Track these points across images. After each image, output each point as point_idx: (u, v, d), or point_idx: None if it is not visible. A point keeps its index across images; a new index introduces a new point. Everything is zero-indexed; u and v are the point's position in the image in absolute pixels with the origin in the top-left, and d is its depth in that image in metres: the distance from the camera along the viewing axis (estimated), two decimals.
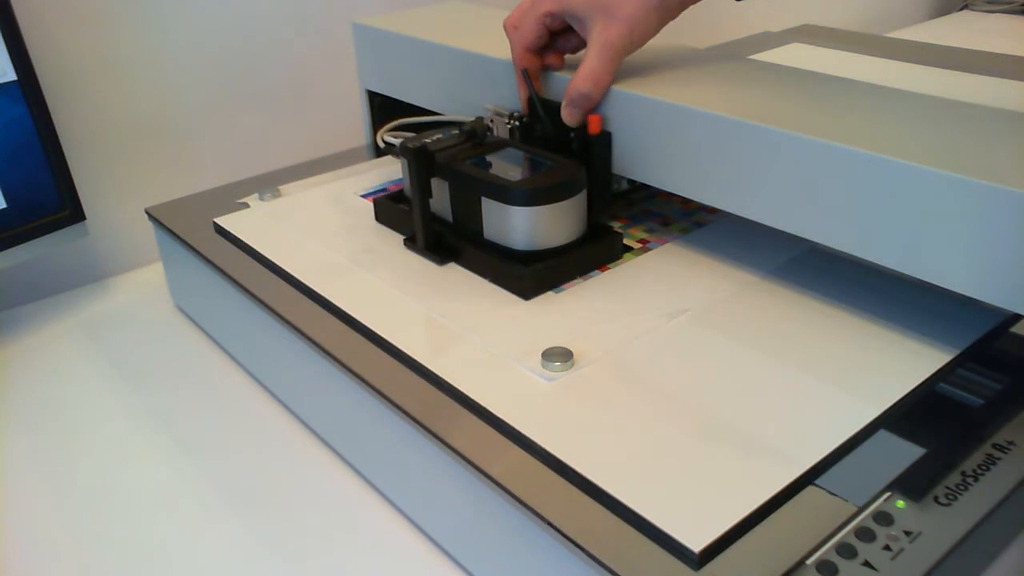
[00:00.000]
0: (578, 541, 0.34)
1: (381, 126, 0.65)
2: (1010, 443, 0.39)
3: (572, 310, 0.48)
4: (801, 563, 0.33)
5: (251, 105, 0.80)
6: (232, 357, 0.62)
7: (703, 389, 0.42)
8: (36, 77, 0.62)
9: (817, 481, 0.36)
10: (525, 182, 0.50)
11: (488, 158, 0.54)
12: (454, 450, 0.39)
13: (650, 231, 0.57)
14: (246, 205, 0.64)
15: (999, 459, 0.38)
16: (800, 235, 0.46)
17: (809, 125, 0.45)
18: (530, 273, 0.50)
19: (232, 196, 0.66)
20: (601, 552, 0.33)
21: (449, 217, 0.55)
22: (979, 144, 0.43)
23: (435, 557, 0.44)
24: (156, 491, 0.50)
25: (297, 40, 0.81)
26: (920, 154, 0.41)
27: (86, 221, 0.67)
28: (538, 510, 0.36)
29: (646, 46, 0.52)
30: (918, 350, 0.44)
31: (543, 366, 0.43)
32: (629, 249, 0.55)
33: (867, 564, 0.33)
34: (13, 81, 0.61)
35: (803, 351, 0.44)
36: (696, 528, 0.33)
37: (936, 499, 0.36)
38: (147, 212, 0.66)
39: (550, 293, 0.50)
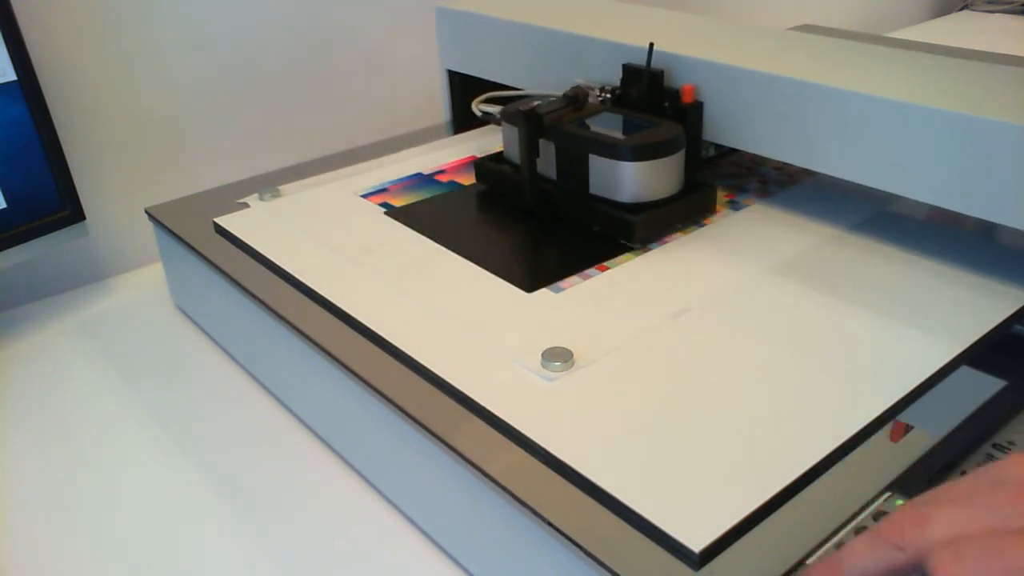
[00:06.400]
0: (578, 541, 0.34)
1: (460, 104, 0.74)
2: (1010, 443, 0.39)
3: (572, 309, 0.48)
4: (801, 563, 0.33)
5: (251, 105, 0.80)
6: (232, 357, 0.62)
7: (703, 389, 0.42)
8: (36, 77, 0.62)
9: (818, 480, 0.36)
10: (632, 139, 0.55)
11: (587, 121, 0.58)
12: (454, 450, 0.39)
13: None
14: (246, 205, 0.64)
15: (999, 459, 0.38)
16: (890, 191, 0.50)
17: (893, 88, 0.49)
18: (639, 221, 0.54)
19: (232, 196, 0.65)
20: (601, 552, 0.33)
21: (553, 175, 0.58)
22: None
23: (435, 557, 0.44)
24: (156, 491, 0.50)
25: (297, 40, 0.81)
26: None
27: (86, 221, 0.67)
28: (538, 510, 0.36)
29: (730, 25, 0.60)
30: (918, 350, 0.44)
31: (543, 366, 0.43)
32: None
33: None
34: (13, 81, 0.61)
35: (803, 352, 0.44)
36: (696, 528, 0.33)
37: None
38: (147, 212, 0.66)
39: (550, 292, 0.50)
